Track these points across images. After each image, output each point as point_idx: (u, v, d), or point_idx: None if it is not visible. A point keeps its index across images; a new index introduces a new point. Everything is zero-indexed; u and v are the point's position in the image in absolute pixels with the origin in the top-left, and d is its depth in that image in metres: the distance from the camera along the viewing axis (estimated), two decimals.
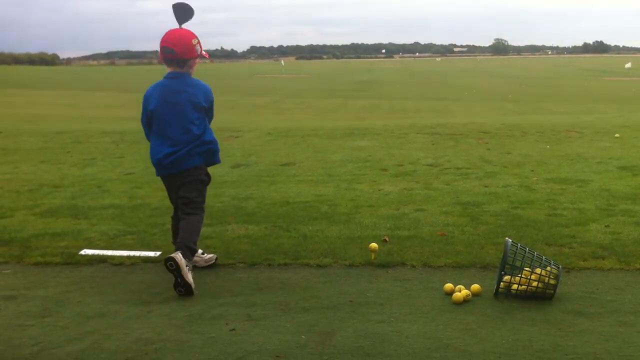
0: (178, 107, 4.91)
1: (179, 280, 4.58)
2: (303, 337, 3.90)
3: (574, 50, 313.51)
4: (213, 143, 5.09)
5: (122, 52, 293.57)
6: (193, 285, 4.63)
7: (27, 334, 3.99)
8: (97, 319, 4.21)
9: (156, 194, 7.91)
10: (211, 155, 5.13)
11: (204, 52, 5.07)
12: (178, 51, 4.88)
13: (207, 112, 5.09)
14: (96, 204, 7.48)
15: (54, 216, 6.90)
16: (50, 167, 10.41)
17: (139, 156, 11.38)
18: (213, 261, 5.27)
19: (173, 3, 4.97)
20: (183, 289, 4.60)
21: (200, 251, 5.21)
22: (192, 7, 5.00)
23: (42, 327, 4.09)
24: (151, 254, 5.52)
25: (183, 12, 4.94)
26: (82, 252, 5.59)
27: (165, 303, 4.47)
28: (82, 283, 4.90)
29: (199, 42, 4.98)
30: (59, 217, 6.85)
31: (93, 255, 5.50)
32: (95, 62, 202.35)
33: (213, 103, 5.16)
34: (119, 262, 5.35)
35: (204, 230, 6.19)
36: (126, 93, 44.97)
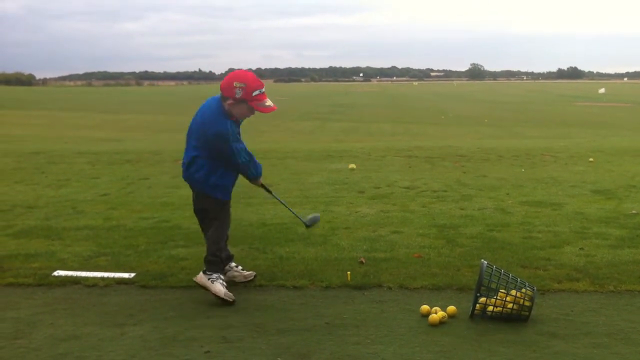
0: (194, 125, 4.97)
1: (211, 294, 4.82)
2: (279, 359, 3.88)
3: (549, 75, 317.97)
4: (203, 179, 4.94)
5: (99, 73, 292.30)
6: (223, 295, 4.78)
7: None
8: (70, 341, 4.16)
9: (131, 215, 7.86)
10: (208, 189, 4.98)
11: (257, 106, 4.85)
12: (221, 85, 4.92)
13: (204, 144, 4.88)
14: (70, 224, 7.40)
15: (28, 237, 6.82)
16: (24, 187, 10.30)
17: (114, 177, 11.31)
18: (252, 278, 5.32)
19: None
20: (220, 301, 4.79)
21: (240, 267, 5.35)
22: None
23: (14, 349, 4.03)
24: (125, 275, 5.46)
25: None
26: (55, 273, 5.52)
27: (139, 325, 4.43)
28: (55, 305, 4.84)
29: (244, 89, 4.78)
30: (33, 238, 6.76)
31: (66, 277, 5.43)
32: (71, 83, 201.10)
33: (214, 141, 4.81)
34: (93, 283, 5.29)
35: (179, 251, 6.17)
36: (103, 114, 44.70)
